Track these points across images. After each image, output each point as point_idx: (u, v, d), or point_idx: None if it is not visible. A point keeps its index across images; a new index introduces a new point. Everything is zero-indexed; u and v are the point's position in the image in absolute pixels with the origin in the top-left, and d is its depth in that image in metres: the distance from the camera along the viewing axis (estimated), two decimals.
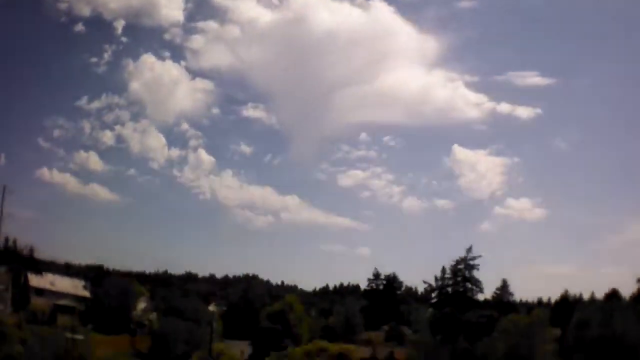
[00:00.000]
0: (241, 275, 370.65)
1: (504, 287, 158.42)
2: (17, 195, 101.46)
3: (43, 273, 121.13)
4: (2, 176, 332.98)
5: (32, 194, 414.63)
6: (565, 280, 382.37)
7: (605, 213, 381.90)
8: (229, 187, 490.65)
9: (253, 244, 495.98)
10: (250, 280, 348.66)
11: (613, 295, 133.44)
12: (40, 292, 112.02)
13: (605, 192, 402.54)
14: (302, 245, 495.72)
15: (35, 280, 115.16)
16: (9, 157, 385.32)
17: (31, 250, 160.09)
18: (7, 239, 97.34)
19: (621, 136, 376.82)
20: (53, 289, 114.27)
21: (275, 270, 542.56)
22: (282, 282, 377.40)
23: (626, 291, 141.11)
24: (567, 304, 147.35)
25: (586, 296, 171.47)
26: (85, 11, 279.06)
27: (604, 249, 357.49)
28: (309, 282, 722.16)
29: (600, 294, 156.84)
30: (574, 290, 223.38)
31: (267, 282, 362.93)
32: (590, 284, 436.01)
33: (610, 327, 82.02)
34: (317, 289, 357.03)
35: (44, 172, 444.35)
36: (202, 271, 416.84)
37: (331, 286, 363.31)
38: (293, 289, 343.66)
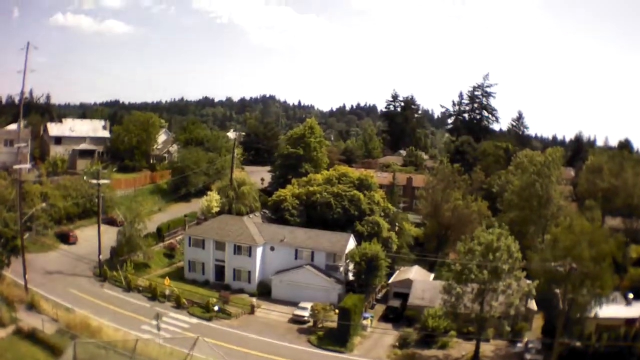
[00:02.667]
0: (258, 96, 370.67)
1: (520, 118, 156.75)
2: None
3: (62, 120, 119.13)
4: (16, 28, 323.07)
5: (46, 40, 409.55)
6: (580, 118, 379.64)
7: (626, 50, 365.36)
8: (247, 8, 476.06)
9: (270, 64, 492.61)
10: (267, 101, 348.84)
11: (625, 145, 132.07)
12: (59, 140, 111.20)
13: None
14: (319, 64, 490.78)
15: (54, 129, 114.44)
16: (23, 7, 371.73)
17: (48, 97, 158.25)
18: (22, 92, 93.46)
19: None
20: (72, 134, 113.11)
21: (292, 90, 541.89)
22: (299, 102, 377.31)
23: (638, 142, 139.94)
24: (581, 145, 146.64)
25: (599, 142, 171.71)
26: None
27: (620, 92, 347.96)
28: (326, 102, 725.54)
29: (613, 140, 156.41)
30: (587, 133, 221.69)
31: (284, 102, 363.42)
32: (604, 128, 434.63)
33: (621, 178, 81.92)
34: (334, 109, 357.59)
35: (58, 18, 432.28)
36: (219, 95, 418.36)
37: (348, 106, 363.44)
38: (310, 109, 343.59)
